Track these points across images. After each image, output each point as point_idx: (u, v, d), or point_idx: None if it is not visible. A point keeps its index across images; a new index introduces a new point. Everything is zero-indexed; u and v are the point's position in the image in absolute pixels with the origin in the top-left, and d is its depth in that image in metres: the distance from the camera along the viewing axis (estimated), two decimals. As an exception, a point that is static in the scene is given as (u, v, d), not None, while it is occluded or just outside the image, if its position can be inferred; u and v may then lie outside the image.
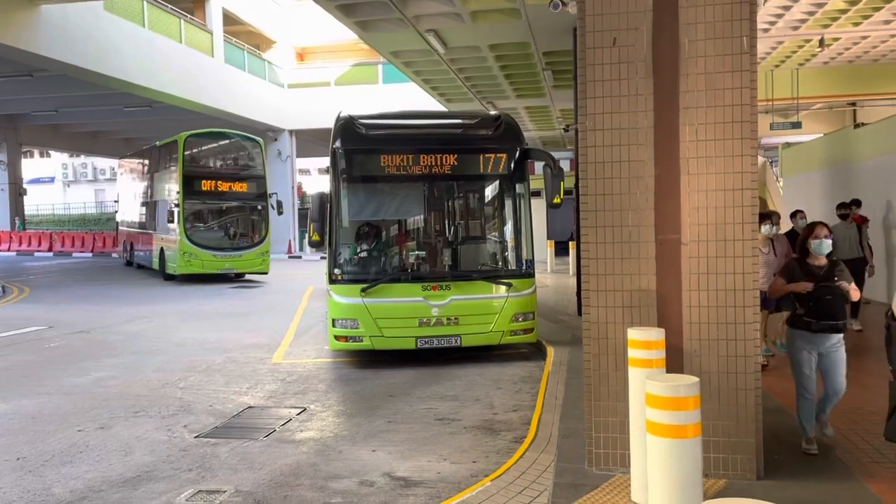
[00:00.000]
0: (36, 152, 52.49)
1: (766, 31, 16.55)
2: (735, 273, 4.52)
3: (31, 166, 50.25)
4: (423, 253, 9.47)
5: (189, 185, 19.43)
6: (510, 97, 20.04)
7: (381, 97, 28.87)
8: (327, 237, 8.77)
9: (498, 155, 8.79)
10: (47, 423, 6.58)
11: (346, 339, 8.52)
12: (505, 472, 4.93)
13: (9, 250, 33.28)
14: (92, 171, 54.58)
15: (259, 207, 20.70)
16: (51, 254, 32.60)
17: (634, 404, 4.17)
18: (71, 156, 52.06)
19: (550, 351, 8.98)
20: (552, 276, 19.05)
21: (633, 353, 4.20)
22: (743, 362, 4.51)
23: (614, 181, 4.67)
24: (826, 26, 15.85)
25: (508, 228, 9.40)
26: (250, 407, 7.06)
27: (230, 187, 20.34)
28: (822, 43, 16.01)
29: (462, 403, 7.06)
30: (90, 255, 31.57)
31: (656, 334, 4.18)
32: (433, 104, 21.73)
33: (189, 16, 25.43)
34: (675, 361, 4.50)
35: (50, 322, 12.70)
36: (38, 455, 5.65)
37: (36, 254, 32.71)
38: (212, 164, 21.31)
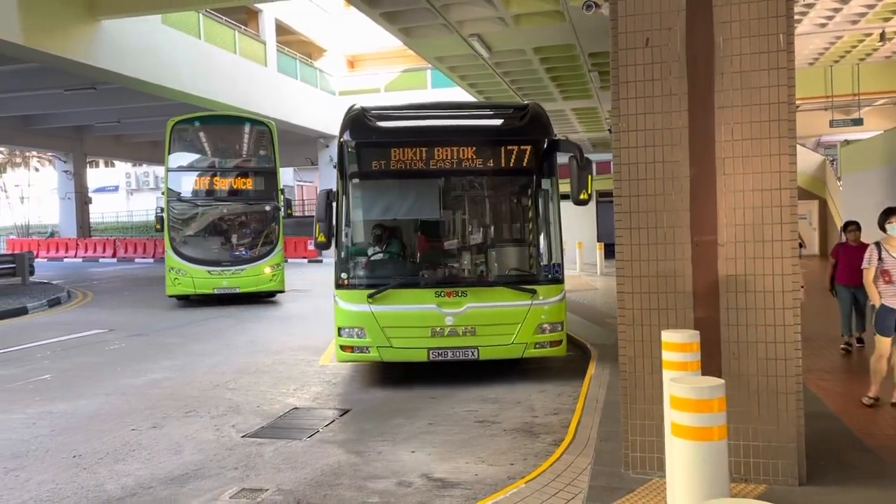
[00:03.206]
0: (101, 162, 54.59)
1: (823, 25, 16.08)
2: (774, 274, 4.43)
3: (97, 176, 52.24)
4: (436, 256, 8.60)
5: (176, 183, 16.16)
6: (557, 99, 19.94)
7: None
8: (334, 238, 8.04)
9: (522, 147, 7.90)
10: (103, 422, 6.86)
11: (353, 349, 7.84)
12: (540, 475, 4.94)
13: (75, 256, 34.68)
14: (153, 179, 56.36)
15: (268, 209, 16.45)
16: (114, 260, 33.85)
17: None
18: (133, 165, 53.90)
19: (594, 354, 8.92)
20: (602, 279, 18.86)
21: (667, 355, 4.15)
22: (783, 365, 4.42)
23: (648, 182, 4.63)
24: (887, 19, 15.31)
25: (533, 229, 8.49)
26: (296, 408, 7.22)
27: (231, 184, 16.47)
28: (883, 37, 15.48)
29: (503, 406, 7.07)
30: (152, 260, 32.64)
31: (691, 336, 4.13)
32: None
33: (243, 27, 26.12)
34: (712, 364, 4.44)
35: (111, 325, 13.21)
36: (93, 453, 5.91)
37: (100, 260, 34.00)
38: (207, 156, 16.95)
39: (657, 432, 4.55)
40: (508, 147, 7.92)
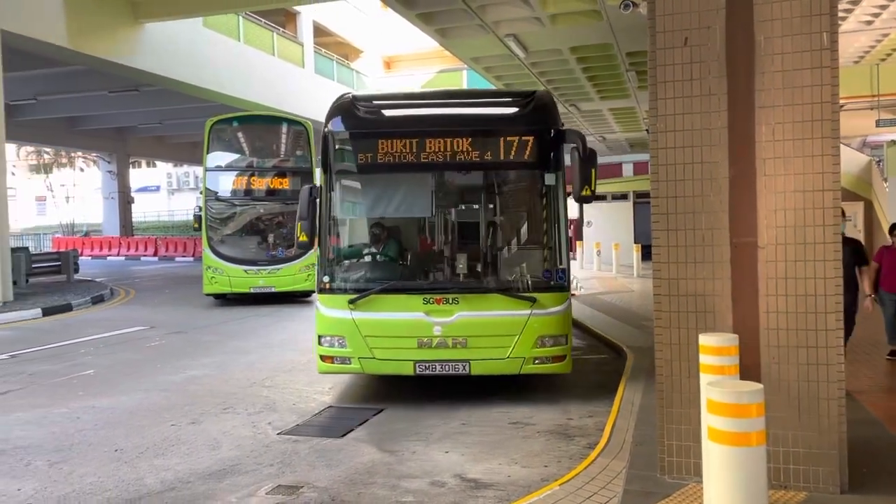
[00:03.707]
0: (143, 162, 55.77)
1: (869, 23, 15.70)
2: (816, 278, 4.34)
3: (139, 176, 53.39)
4: (425, 258, 7.96)
5: (214, 183, 16.30)
6: (594, 99, 19.80)
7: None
8: (317, 238, 7.46)
9: (523, 138, 7.08)
10: (143, 417, 7.00)
11: (333, 359, 7.21)
12: (574, 478, 4.91)
13: (118, 255, 35.49)
14: (193, 179, 57.38)
15: None
16: (156, 258, 34.54)
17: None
18: (174, 165, 54.96)
19: (630, 356, 8.83)
20: (638, 281, 18.66)
21: (704, 359, 4.09)
22: (825, 370, 4.32)
23: (686, 183, 4.57)
24: (935, 15, 14.88)
25: (536, 229, 7.73)
26: (331, 406, 7.29)
27: (268, 184, 16.50)
28: (931, 33, 15.04)
29: (538, 408, 7.04)
30: (192, 259, 33.21)
31: (729, 340, 4.06)
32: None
33: (281, 29, 26.45)
34: (751, 369, 4.36)
35: (151, 322, 13.48)
36: (134, 447, 6.04)
37: (142, 258, 34.73)
38: (244, 156, 16.96)
39: (694, 437, 4.49)
40: (508, 138, 7.11)
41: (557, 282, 7.20)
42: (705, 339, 4.10)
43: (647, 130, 22.05)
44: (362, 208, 8.01)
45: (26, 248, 21.44)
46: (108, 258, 35.11)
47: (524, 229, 8.05)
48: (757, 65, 4.41)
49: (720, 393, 2.89)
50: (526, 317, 6.99)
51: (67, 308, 15.61)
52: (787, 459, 4.36)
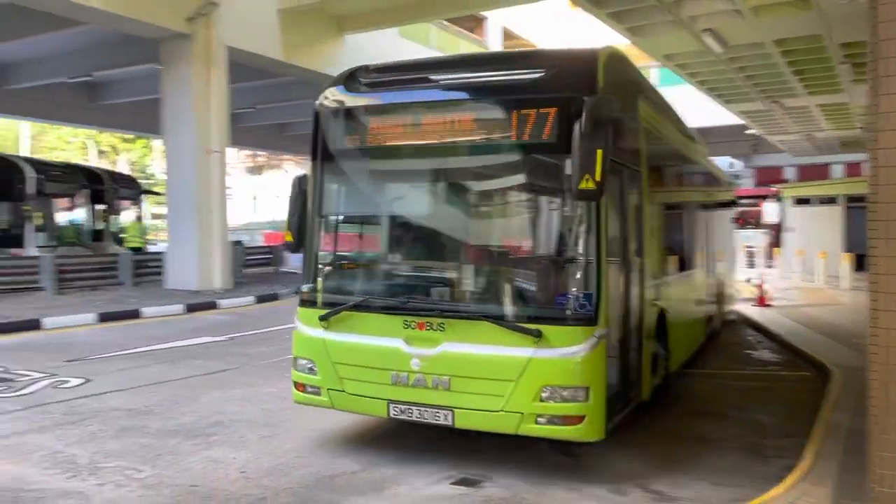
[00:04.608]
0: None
1: None
2: None
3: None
4: (408, 270, 6.22)
5: None
6: (800, 94, 18.30)
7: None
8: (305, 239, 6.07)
9: (542, 111, 5.11)
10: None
11: (304, 388, 5.87)
12: (771, 500, 4.60)
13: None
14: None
15: None
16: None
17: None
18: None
19: (836, 375, 8.07)
20: (850, 294, 16.99)
21: (929, 383, 3.66)
22: None
23: (912, 187, 4.11)
24: None
25: (554, 236, 5.40)
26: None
27: None
28: None
29: (729, 423, 6.68)
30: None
31: (961, 364, 3.60)
32: (711, 105, 20.61)
33: (470, 34, 27.19)
34: None
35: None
36: (331, 429, 6.51)
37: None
38: None
39: (913, 469, 4.03)
40: (523, 111, 5.19)
41: (577, 311, 5.00)
42: (931, 362, 3.67)
43: (861, 128, 20.00)
44: (343, 203, 6.39)
45: (241, 242, 23.88)
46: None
47: (541, 236, 5.64)
48: None
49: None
50: (527, 358, 5.01)
51: (274, 297, 17.17)
52: None
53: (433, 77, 5.86)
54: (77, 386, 8.04)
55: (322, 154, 5.98)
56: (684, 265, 8.56)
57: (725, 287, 12.32)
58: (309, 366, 5.78)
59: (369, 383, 5.52)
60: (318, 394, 5.77)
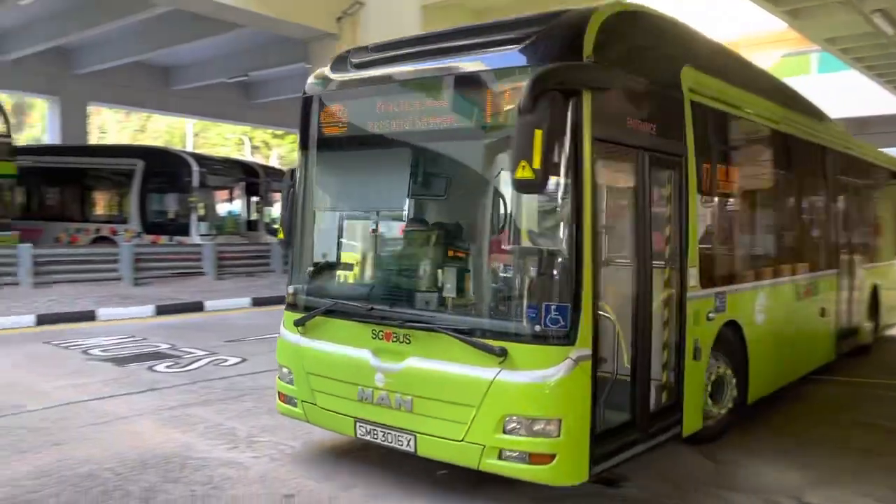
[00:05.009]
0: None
1: None
2: None
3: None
4: (381, 272, 5.66)
5: None
6: None
7: (816, 88, 26.17)
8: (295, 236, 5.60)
9: (513, 88, 4.24)
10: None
11: (285, 398, 5.38)
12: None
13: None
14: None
15: None
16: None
17: None
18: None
19: None
20: None
21: None
22: None
23: None
24: None
25: (532, 232, 4.53)
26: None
27: None
28: None
29: (891, 436, 6.15)
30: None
31: None
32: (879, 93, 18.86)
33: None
34: None
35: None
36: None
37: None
38: None
39: None
40: (499, 87, 4.41)
41: (548, 326, 4.11)
42: None
43: None
44: (323, 197, 5.82)
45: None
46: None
47: (511, 234, 4.69)
48: None
49: None
50: (488, 381, 4.22)
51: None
52: None
53: (399, 54, 5.09)
54: (235, 364, 8.69)
55: (303, 144, 5.49)
56: (783, 269, 7.17)
57: (881, 293, 10.55)
58: (289, 375, 5.30)
59: (338, 398, 4.95)
60: (294, 405, 5.27)
